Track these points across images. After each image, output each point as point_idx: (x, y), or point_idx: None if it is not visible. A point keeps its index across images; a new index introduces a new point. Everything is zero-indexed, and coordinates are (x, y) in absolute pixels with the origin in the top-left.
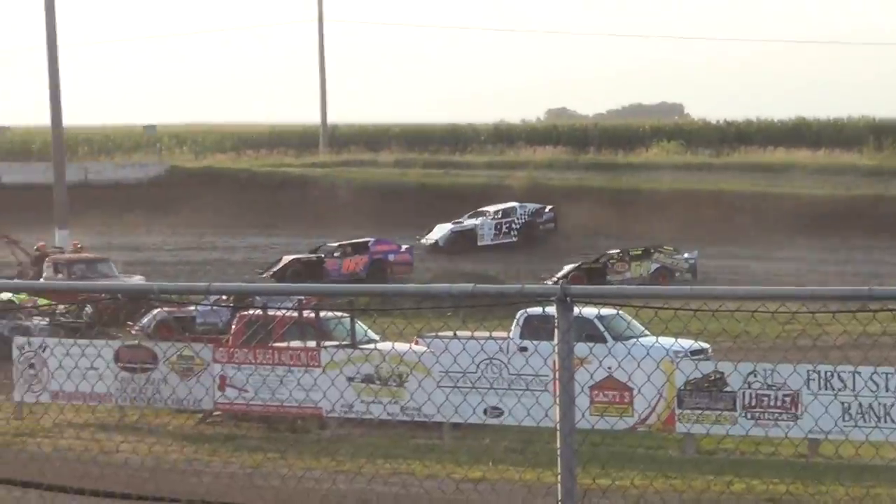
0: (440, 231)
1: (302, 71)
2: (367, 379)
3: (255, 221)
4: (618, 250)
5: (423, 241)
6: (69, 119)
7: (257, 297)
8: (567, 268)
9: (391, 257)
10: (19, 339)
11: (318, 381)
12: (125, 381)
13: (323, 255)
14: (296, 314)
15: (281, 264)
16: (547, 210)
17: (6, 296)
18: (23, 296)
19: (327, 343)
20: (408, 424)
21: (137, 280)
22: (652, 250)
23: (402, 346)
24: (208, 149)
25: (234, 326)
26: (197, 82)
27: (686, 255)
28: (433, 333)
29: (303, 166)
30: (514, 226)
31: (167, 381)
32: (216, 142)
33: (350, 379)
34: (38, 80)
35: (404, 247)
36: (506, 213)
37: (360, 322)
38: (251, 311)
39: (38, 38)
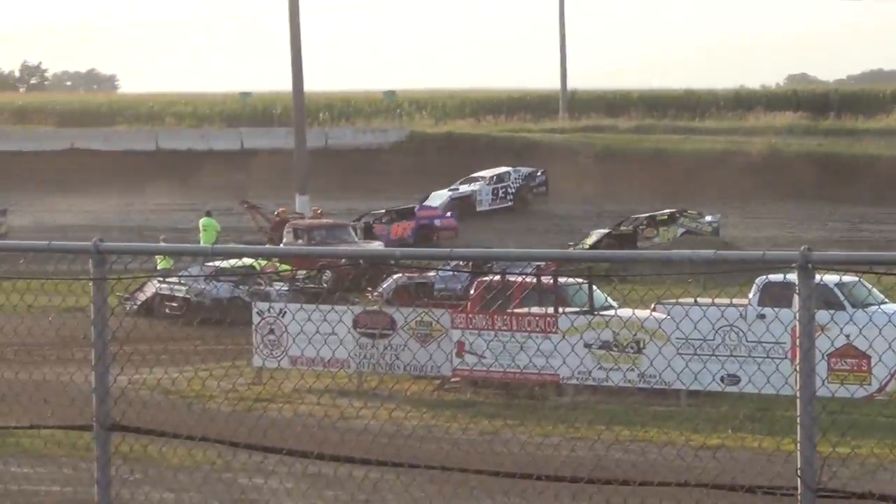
0: (439, 198)
1: (542, 36)
2: (605, 346)
3: None
4: (645, 215)
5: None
6: (310, 85)
7: (496, 263)
8: (595, 234)
9: (437, 222)
10: (260, 305)
11: (557, 347)
12: (365, 347)
13: (371, 221)
14: (534, 280)
15: None
16: (539, 174)
17: (247, 261)
18: (263, 261)
19: (567, 309)
20: (644, 392)
21: (377, 246)
22: (677, 214)
23: (642, 313)
24: (448, 114)
25: (472, 292)
26: (437, 47)
27: (709, 219)
28: (673, 300)
29: (542, 132)
30: (509, 190)
31: (408, 346)
32: (456, 107)
33: (588, 345)
34: (281, 45)
35: (449, 212)
36: (500, 177)
37: (598, 288)
38: (490, 277)
39: (281, 3)
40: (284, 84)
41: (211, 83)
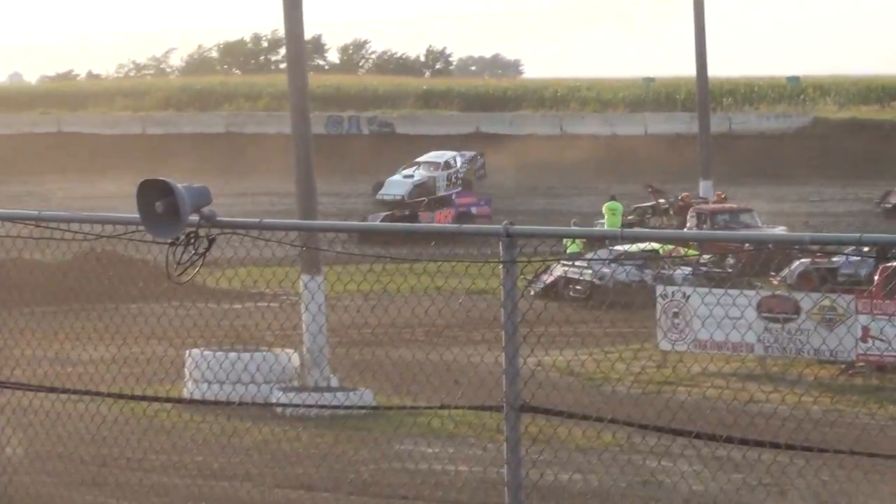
0: (399, 186)
1: None
2: None
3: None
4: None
5: (379, 196)
6: (714, 69)
7: None
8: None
9: (473, 210)
10: (663, 288)
11: None
12: (773, 332)
13: (414, 209)
14: None
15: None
16: (479, 157)
17: (653, 245)
18: (668, 245)
19: None
20: None
21: (780, 231)
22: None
23: None
24: (852, 100)
25: (876, 277)
26: (842, 32)
27: None
28: None
29: None
30: (459, 175)
31: (817, 331)
32: (860, 93)
33: None
34: (685, 30)
35: (483, 200)
36: (447, 164)
37: None
38: (895, 263)
39: None
40: (688, 69)
41: (614, 68)
